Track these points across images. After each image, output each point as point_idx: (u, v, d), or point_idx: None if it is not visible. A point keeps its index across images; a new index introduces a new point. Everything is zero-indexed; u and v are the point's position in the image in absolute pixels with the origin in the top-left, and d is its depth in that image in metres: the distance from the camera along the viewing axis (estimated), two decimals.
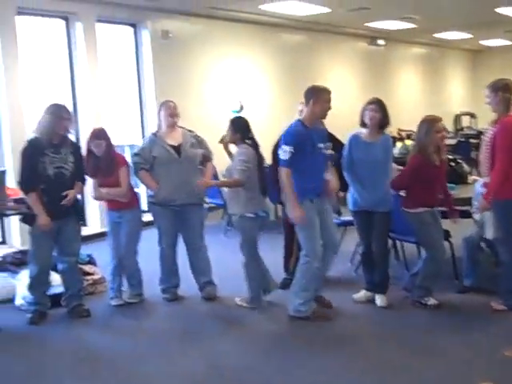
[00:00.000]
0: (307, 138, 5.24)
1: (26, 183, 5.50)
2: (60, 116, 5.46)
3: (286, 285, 6.02)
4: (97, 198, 6.06)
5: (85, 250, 6.58)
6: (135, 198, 6.11)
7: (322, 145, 5.33)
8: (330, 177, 5.50)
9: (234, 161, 5.69)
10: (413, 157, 5.65)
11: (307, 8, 10.70)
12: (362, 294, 5.87)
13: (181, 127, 6.07)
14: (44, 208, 5.46)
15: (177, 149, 5.92)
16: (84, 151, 5.80)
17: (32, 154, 5.46)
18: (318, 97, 5.27)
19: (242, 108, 10.58)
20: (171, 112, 5.95)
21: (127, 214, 5.93)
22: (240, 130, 5.70)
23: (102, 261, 6.63)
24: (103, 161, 5.79)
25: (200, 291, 6.13)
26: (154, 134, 6.05)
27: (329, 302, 5.73)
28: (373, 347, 4.93)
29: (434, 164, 5.55)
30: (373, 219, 5.61)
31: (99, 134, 5.81)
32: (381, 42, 14.79)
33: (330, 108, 5.30)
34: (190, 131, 6.10)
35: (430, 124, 5.53)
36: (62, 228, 5.61)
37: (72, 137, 5.85)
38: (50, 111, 5.48)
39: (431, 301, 5.61)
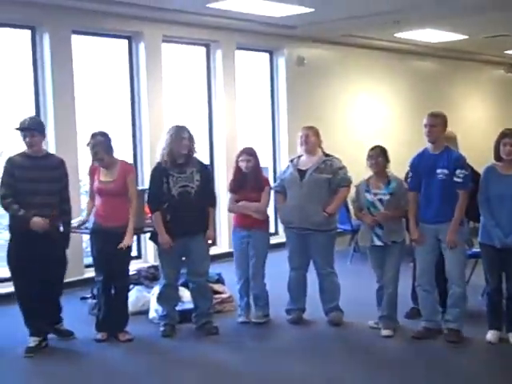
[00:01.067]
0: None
1: (151, 203, 5.83)
2: (179, 137, 5.70)
3: (413, 314, 5.97)
4: (232, 210, 6.22)
5: (214, 269, 6.79)
6: (267, 219, 6.27)
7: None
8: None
9: (397, 190, 5.71)
10: None
11: (443, 35, 10.58)
12: (495, 334, 5.55)
13: (324, 153, 6.11)
14: (168, 226, 5.72)
15: (302, 173, 6.02)
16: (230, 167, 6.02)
17: (157, 175, 5.78)
18: None
19: None
20: (301, 140, 6.08)
21: (256, 234, 6.09)
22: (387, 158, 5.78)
23: (230, 280, 6.82)
24: (250, 176, 6.02)
25: (326, 316, 6.17)
26: (292, 160, 6.21)
27: None
28: None
29: None
30: (506, 257, 5.40)
31: (249, 151, 6.05)
32: None
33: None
34: (326, 155, 6.09)
35: None
36: (190, 246, 5.83)
37: (199, 156, 6.05)
38: (171, 133, 5.76)
39: None
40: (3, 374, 5.19)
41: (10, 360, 5.45)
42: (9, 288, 6.50)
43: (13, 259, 5.55)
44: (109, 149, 5.68)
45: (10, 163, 5.51)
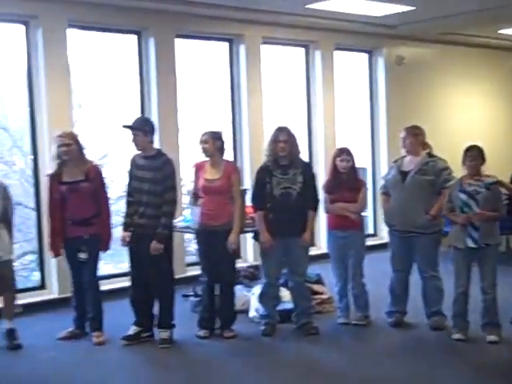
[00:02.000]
0: None
1: (255, 202, 5.91)
2: (277, 139, 5.75)
3: None
4: (329, 211, 6.21)
5: (313, 270, 6.80)
6: (362, 220, 6.25)
7: None
8: None
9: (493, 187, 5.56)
10: None
11: None
12: None
13: (428, 153, 6.00)
14: (269, 226, 5.78)
15: (404, 174, 5.94)
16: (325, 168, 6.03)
17: (261, 175, 5.87)
18: None
19: None
20: (403, 143, 6.00)
21: (353, 235, 6.07)
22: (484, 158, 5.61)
23: (330, 281, 6.82)
24: (346, 177, 6.01)
25: (427, 319, 6.07)
26: (396, 160, 6.15)
27: None
28: None
29: None
30: None
31: (348, 151, 6.05)
32: None
33: None
34: (430, 156, 5.98)
35: None
36: (290, 247, 5.86)
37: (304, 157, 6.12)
38: (271, 135, 5.84)
39: None
40: (111, 358, 5.49)
41: (113, 347, 5.72)
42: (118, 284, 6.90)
43: (128, 253, 5.85)
44: (220, 148, 5.80)
45: (130, 162, 5.79)
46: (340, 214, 6.05)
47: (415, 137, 5.99)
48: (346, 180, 6.04)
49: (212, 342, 5.85)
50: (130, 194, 5.77)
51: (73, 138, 5.73)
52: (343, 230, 6.06)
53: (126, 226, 5.74)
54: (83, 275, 5.80)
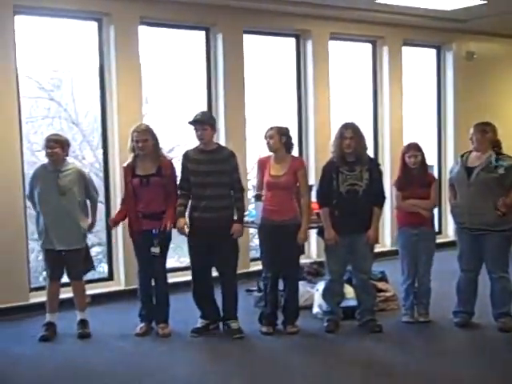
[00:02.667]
0: None
1: (320, 198, 5.90)
2: (342, 136, 5.74)
3: None
4: (401, 208, 6.15)
5: (378, 267, 6.76)
6: (433, 217, 6.18)
7: None
8: None
9: None
10: None
11: None
12: None
13: (495, 150, 5.85)
14: (334, 223, 5.78)
15: (470, 171, 5.83)
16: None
17: (328, 171, 5.86)
18: None
19: None
20: (470, 139, 5.90)
21: (425, 232, 6.02)
22: None
23: (394, 278, 6.77)
24: (417, 172, 5.96)
25: (495, 321, 5.95)
26: (462, 155, 6.05)
27: None
28: None
29: None
30: None
31: (416, 147, 5.99)
32: None
33: None
34: (498, 154, 5.84)
35: None
36: (355, 244, 5.84)
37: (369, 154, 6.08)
38: (337, 131, 5.82)
39: None
40: (177, 350, 5.60)
41: (178, 339, 5.85)
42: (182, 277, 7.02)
43: (190, 248, 5.92)
44: (285, 143, 5.83)
45: (185, 157, 5.85)
46: (412, 211, 6.01)
47: (482, 134, 5.86)
48: (417, 176, 5.99)
49: (275, 337, 5.88)
50: (182, 187, 5.86)
51: (149, 132, 5.81)
52: (415, 226, 6.01)
53: (182, 214, 5.80)
54: (153, 268, 5.91)
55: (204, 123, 5.72)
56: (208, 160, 5.74)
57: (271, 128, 5.83)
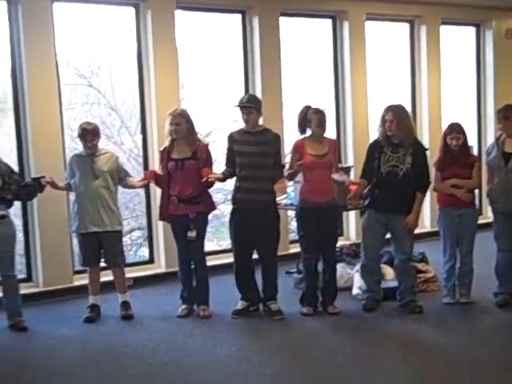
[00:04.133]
0: None
1: (362, 176, 5.98)
2: (383, 118, 5.75)
3: None
4: (438, 189, 6.11)
5: (418, 248, 6.73)
6: (475, 197, 6.18)
7: None
8: None
9: None
10: None
11: None
12: None
13: None
14: (373, 201, 5.85)
15: (507, 156, 5.78)
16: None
17: (371, 151, 5.90)
18: None
19: None
20: (499, 123, 5.85)
21: (467, 212, 5.97)
22: None
23: (434, 259, 6.74)
24: (458, 153, 5.89)
25: None
26: (498, 138, 5.98)
27: None
28: None
29: None
30: None
31: (458, 128, 5.91)
32: None
33: None
34: None
35: None
36: (393, 224, 5.84)
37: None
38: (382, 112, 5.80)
39: None
40: (218, 331, 5.65)
41: (218, 320, 5.92)
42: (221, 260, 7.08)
43: (232, 230, 5.96)
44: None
45: (230, 139, 5.89)
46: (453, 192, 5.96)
47: (505, 121, 5.81)
48: (458, 156, 5.91)
49: (316, 318, 5.91)
50: (227, 170, 5.90)
51: (183, 116, 5.85)
52: (457, 208, 5.95)
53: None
54: (191, 252, 5.98)
55: (249, 107, 5.76)
56: (253, 141, 5.78)
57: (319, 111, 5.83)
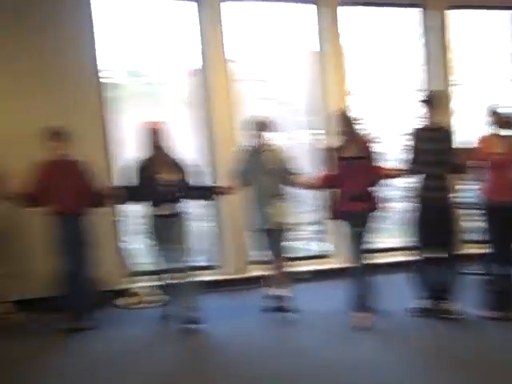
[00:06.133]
0: None
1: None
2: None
3: None
4: None
5: None
6: None
7: None
8: None
9: None
10: None
11: None
12: None
13: None
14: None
15: None
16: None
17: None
18: None
19: None
20: None
21: None
22: None
23: None
24: None
25: None
26: None
27: None
28: None
29: None
30: None
31: None
32: None
33: None
34: None
35: None
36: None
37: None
38: None
39: None
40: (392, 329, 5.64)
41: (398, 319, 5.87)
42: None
43: (418, 227, 5.89)
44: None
45: (415, 136, 5.85)
46: None
47: None
48: None
49: (501, 323, 5.66)
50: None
51: (346, 119, 5.89)
52: None
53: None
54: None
55: (428, 102, 5.78)
56: (433, 138, 5.76)
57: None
